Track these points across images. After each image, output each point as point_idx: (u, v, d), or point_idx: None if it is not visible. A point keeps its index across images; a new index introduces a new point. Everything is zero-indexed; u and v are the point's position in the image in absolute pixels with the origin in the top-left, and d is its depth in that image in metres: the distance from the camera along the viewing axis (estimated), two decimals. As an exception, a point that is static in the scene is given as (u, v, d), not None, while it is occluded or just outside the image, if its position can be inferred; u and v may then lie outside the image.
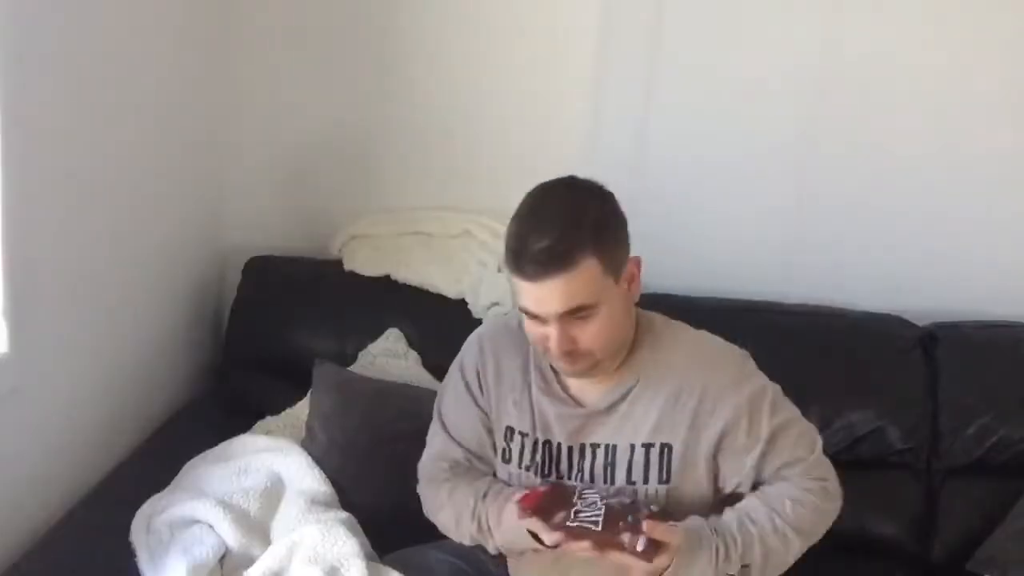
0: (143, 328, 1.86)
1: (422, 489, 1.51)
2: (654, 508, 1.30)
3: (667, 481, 1.34)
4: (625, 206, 2.20)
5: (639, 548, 1.20)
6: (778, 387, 1.42)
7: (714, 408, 1.34)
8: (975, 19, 2.10)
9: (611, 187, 2.19)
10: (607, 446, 1.37)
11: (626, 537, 1.21)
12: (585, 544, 1.21)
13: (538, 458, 1.39)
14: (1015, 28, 2.10)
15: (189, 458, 1.62)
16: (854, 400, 1.97)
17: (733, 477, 1.36)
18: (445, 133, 2.20)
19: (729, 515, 1.32)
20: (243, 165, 2.22)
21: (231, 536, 1.42)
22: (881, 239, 2.20)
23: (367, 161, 2.23)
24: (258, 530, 1.47)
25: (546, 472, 1.39)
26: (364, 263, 2.07)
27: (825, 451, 1.93)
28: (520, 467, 1.41)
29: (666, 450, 1.34)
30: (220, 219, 2.22)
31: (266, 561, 1.36)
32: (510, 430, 1.42)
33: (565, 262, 1.22)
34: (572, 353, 1.28)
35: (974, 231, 2.19)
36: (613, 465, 1.36)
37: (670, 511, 1.31)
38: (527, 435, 1.40)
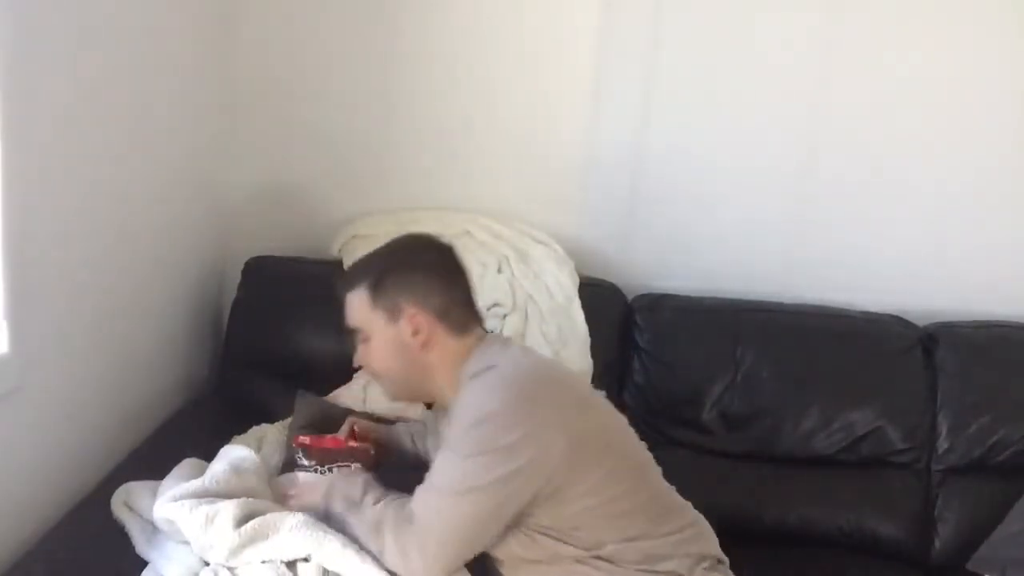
0: (143, 328, 1.85)
1: None
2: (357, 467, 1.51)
3: None
4: (625, 206, 2.23)
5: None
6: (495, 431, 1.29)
7: None
8: (974, 23, 2.10)
9: (611, 187, 2.24)
10: None
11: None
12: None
13: None
14: (1015, 33, 2.10)
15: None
16: (854, 400, 1.97)
17: None
18: (445, 133, 2.20)
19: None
20: (243, 165, 2.22)
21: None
22: (881, 239, 2.21)
23: (367, 161, 2.23)
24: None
25: None
26: (364, 263, 2.06)
27: (825, 451, 1.97)
28: None
29: None
30: (220, 219, 2.22)
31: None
32: None
33: (346, 286, 1.44)
34: (367, 370, 1.47)
35: (973, 232, 2.19)
36: None
37: None
38: None
